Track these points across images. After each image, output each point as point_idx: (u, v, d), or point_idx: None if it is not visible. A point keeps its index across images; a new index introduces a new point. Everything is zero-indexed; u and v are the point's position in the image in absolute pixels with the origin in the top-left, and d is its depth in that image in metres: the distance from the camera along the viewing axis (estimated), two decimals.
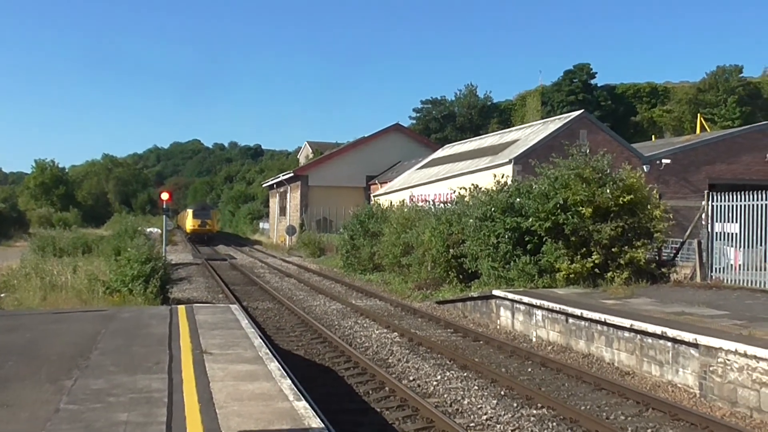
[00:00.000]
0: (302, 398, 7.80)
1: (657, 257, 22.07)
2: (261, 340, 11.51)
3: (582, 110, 39.56)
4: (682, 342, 12.53)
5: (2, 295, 20.97)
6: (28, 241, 43.80)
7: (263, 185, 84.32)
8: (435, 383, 13.22)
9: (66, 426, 6.85)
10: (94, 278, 21.85)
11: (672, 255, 23.32)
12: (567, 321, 16.28)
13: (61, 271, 23.99)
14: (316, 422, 6.89)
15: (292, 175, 62.58)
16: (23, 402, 7.78)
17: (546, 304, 17.09)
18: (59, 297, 20.57)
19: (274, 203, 74.38)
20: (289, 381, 8.62)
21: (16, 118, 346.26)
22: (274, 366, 9.42)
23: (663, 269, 21.44)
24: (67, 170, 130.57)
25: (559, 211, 20.66)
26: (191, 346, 10.85)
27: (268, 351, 10.55)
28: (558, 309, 16.55)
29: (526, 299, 18.12)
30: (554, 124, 36.25)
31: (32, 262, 26.26)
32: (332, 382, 13.34)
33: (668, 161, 36.14)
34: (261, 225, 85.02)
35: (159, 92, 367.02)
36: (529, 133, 37.19)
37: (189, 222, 74.82)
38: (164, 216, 37.30)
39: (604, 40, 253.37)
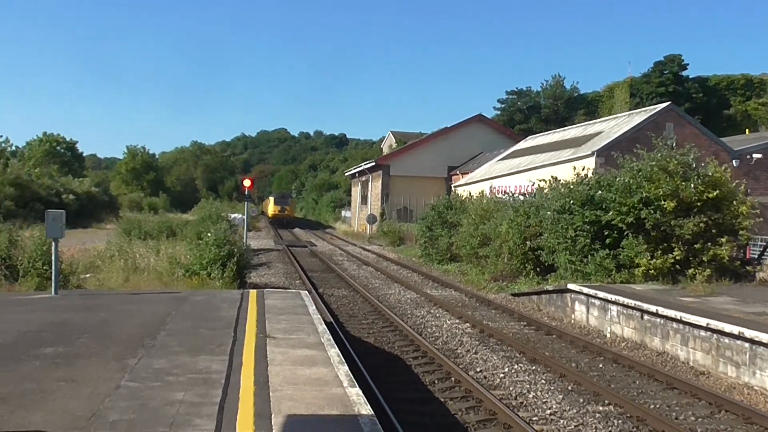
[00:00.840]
0: (356, 385, 7.80)
1: (742, 255, 21.31)
2: (325, 326, 11.57)
3: (669, 102, 38.44)
4: (760, 343, 12.06)
5: (87, 275, 21.61)
6: (117, 224, 45.08)
7: (346, 174, 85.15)
8: (502, 375, 13.08)
9: (123, 403, 7.01)
10: (175, 261, 22.32)
11: (758, 253, 22.47)
12: (642, 317, 15.86)
13: (144, 254, 24.61)
14: (366, 409, 6.87)
15: (374, 164, 62.81)
16: (87, 378, 8.00)
17: (621, 299, 16.70)
18: (141, 279, 21.09)
19: (356, 192, 74.89)
20: (346, 367, 8.62)
21: (111, 106, 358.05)
22: (333, 352, 9.45)
23: (748, 267, 20.70)
24: (157, 156, 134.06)
25: (641, 205, 20.15)
26: (256, 329, 10.98)
27: (330, 337, 10.59)
28: (633, 305, 16.15)
29: (601, 294, 17.74)
30: (639, 116, 35.34)
31: (117, 244, 26.97)
32: (399, 371, 13.32)
33: (759, 156, 34.80)
34: (343, 213, 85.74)
35: (246, 82, 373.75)
36: (614, 125, 36.38)
37: (271, 208, 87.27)
38: (246, 202, 37.95)
39: (696, 30, 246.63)
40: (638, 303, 15.99)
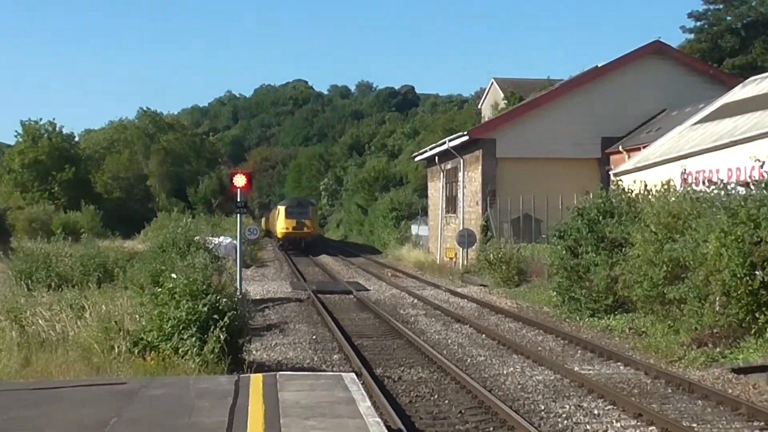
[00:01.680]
0: None
1: None
2: None
3: None
4: None
5: None
6: (5, 263, 45.54)
7: (416, 159, 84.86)
8: None
9: None
10: (114, 328, 22.35)
11: None
12: None
13: (58, 316, 24.73)
14: None
15: (467, 138, 62.36)
16: None
17: None
18: (51, 360, 21.19)
19: (435, 190, 74.82)
20: None
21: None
22: None
23: None
24: (77, 139, 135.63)
25: None
26: None
27: None
28: None
29: None
30: None
31: (7, 300, 27.17)
32: None
33: None
34: (413, 229, 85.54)
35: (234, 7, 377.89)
36: None
37: (281, 222, 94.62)
38: (238, 215, 38.08)
39: None
40: None
